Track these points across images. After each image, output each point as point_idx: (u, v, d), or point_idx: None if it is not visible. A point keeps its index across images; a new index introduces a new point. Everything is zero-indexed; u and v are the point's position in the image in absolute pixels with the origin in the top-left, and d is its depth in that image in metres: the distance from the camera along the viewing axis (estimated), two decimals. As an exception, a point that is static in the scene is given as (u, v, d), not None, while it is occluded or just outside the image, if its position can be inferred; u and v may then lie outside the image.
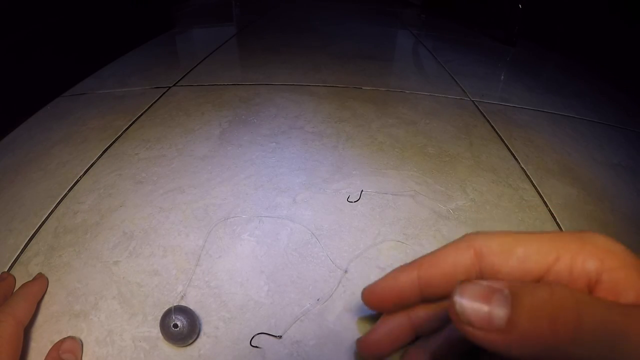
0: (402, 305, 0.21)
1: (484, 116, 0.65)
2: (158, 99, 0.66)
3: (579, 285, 0.15)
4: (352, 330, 0.30)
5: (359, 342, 0.24)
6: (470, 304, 0.14)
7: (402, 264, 0.35)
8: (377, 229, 0.39)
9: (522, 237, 0.17)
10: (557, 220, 0.42)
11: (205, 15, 1.38)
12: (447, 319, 0.19)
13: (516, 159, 0.53)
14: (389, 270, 0.35)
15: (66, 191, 0.44)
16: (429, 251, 0.37)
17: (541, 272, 0.16)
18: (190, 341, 0.28)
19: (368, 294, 0.22)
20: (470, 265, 0.18)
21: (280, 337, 0.29)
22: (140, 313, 0.31)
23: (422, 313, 0.21)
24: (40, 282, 0.32)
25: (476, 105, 0.68)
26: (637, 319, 0.13)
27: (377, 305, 0.23)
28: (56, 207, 0.41)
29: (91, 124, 0.58)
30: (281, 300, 0.32)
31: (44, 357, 0.27)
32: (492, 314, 0.14)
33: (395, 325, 0.22)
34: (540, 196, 0.46)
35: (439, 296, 0.20)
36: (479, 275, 0.18)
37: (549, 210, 0.44)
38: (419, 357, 0.21)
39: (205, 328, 0.30)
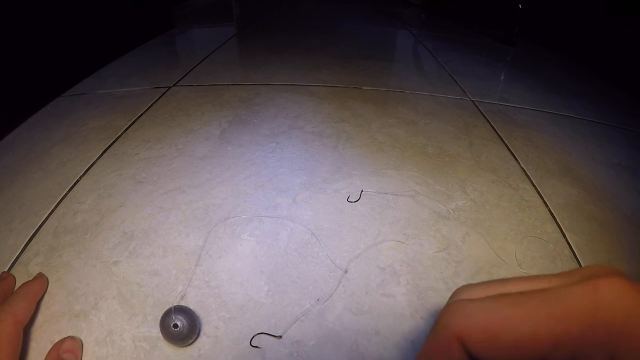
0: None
1: (484, 116, 0.65)
2: (158, 99, 0.66)
3: None
4: (352, 330, 0.30)
5: None
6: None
7: (402, 264, 0.36)
8: (377, 229, 0.39)
9: (508, 305, 0.14)
10: (557, 220, 0.42)
11: (205, 15, 1.38)
12: None
13: (516, 159, 0.53)
14: (389, 270, 0.35)
15: (66, 191, 0.44)
16: (428, 251, 0.37)
17: (540, 356, 0.13)
18: (190, 341, 0.28)
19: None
20: (460, 357, 0.14)
21: (280, 337, 0.29)
22: (140, 313, 0.31)
23: None
24: (40, 281, 0.32)
25: (476, 105, 0.68)
26: None
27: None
28: (56, 207, 0.41)
29: (91, 124, 0.58)
30: (281, 300, 0.32)
31: (44, 357, 0.27)
32: None
33: None
34: (540, 196, 0.46)
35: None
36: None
37: (549, 210, 0.44)
38: None
39: (205, 328, 0.30)
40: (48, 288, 0.32)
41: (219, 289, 0.33)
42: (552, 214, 0.43)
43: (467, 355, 0.14)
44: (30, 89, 0.63)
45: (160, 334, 0.28)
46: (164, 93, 0.68)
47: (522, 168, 0.51)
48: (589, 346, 0.12)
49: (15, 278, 0.33)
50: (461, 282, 0.34)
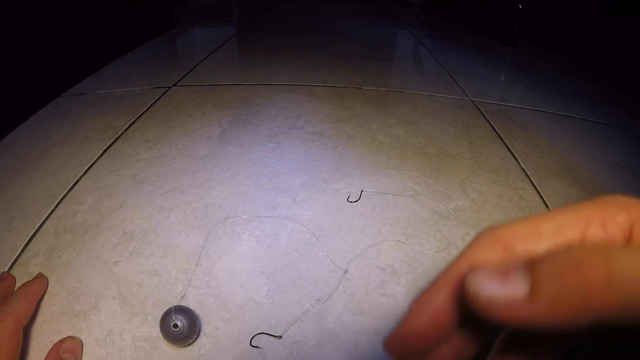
0: (446, 337, 0.16)
1: (484, 116, 0.65)
2: (158, 99, 0.66)
3: (617, 242, 0.14)
4: (352, 330, 0.30)
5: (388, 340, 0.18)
6: (486, 284, 0.13)
7: (402, 264, 0.36)
8: (377, 229, 0.39)
9: (545, 216, 0.15)
10: (557, 220, 0.42)
11: (205, 15, 1.38)
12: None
13: (516, 159, 0.53)
14: (389, 270, 0.35)
15: (66, 191, 0.44)
16: (429, 251, 0.37)
17: (577, 241, 0.14)
18: (190, 341, 0.28)
19: (398, 339, 0.16)
20: (501, 260, 0.15)
21: (280, 337, 0.29)
22: (140, 313, 0.31)
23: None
24: (40, 282, 0.32)
25: (476, 105, 0.68)
26: None
27: (411, 347, 0.16)
28: (56, 207, 0.41)
29: (91, 124, 0.58)
30: (281, 300, 0.32)
31: (44, 357, 0.27)
32: (512, 286, 0.13)
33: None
34: (540, 196, 0.46)
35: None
36: None
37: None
38: None
39: (205, 328, 0.30)
40: (48, 288, 0.32)
41: (219, 289, 0.33)
42: (552, 214, 0.43)
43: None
44: (30, 89, 0.63)
45: (160, 334, 0.28)
46: (164, 93, 0.68)
47: (522, 168, 0.51)
48: (612, 213, 0.13)
49: (15, 278, 0.33)
50: (461, 282, 0.34)
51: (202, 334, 0.29)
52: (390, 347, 0.17)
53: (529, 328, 0.13)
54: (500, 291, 0.13)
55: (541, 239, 0.14)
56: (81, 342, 0.28)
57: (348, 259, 0.36)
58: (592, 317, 0.12)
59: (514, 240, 0.15)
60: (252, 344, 0.29)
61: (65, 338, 0.28)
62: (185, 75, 0.77)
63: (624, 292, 0.12)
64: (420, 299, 0.16)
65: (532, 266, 0.13)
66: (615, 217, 0.14)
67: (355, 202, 0.43)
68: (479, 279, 0.13)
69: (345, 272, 0.34)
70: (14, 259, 0.35)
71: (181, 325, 0.27)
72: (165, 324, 0.27)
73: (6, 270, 0.34)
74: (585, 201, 0.15)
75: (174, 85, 0.72)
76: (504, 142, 0.57)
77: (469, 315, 0.15)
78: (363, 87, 0.73)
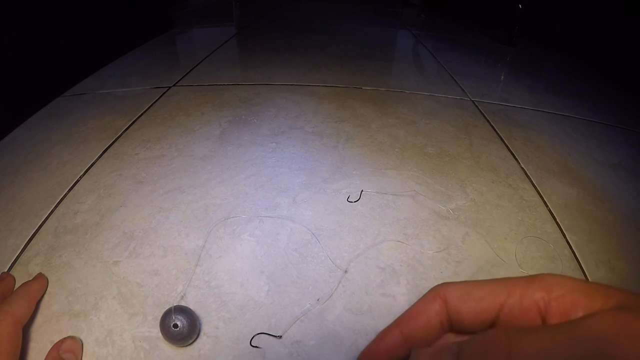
0: None
1: (484, 116, 0.65)
2: (158, 99, 0.66)
3: (531, 316, 0.17)
4: (352, 330, 0.30)
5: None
6: None
7: (402, 264, 0.36)
8: (377, 229, 0.39)
9: (478, 283, 0.19)
10: (557, 220, 0.42)
11: (205, 15, 1.38)
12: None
13: (516, 159, 0.53)
14: (389, 270, 0.35)
15: (66, 191, 0.44)
16: (428, 251, 0.37)
17: (495, 309, 0.18)
18: (190, 341, 0.28)
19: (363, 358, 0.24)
20: (439, 311, 0.20)
21: (280, 337, 0.29)
22: (140, 313, 0.31)
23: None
24: (40, 281, 0.32)
25: (476, 105, 0.68)
26: (574, 331, 0.14)
27: None
28: (56, 207, 0.41)
29: (91, 124, 0.58)
30: (281, 300, 0.32)
31: (44, 357, 0.27)
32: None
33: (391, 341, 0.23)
34: (540, 196, 0.46)
35: (424, 344, 0.22)
36: (447, 318, 0.20)
37: (549, 210, 0.44)
38: None
39: (205, 328, 0.30)
40: (48, 288, 0.32)
41: (219, 289, 0.33)
42: (552, 214, 0.43)
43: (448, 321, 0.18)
44: (30, 89, 0.63)
45: (160, 334, 0.28)
46: (164, 93, 0.68)
47: (522, 168, 0.51)
48: (532, 290, 0.17)
49: (15, 278, 0.33)
50: (461, 282, 0.34)
51: (202, 334, 0.29)
52: None
53: None
54: None
55: (468, 302, 0.19)
56: (81, 342, 0.28)
57: (348, 259, 0.36)
58: None
59: (449, 298, 0.19)
60: (252, 344, 0.29)
61: (65, 338, 0.28)
62: (185, 75, 0.77)
63: None
64: (382, 332, 0.23)
65: (458, 350, 0.16)
66: (533, 294, 0.17)
67: (355, 202, 0.43)
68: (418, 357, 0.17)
69: (345, 272, 0.34)
70: (14, 259, 0.35)
71: (181, 325, 0.27)
72: (165, 324, 0.27)
73: (6, 270, 0.34)
74: (520, 277, 0.18)
75: (174, 85, 0.72)
76: (504, 142, 0.57)
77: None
78: (363, 87, 0.73)
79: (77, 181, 0.45)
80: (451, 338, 0.23)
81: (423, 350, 0.18)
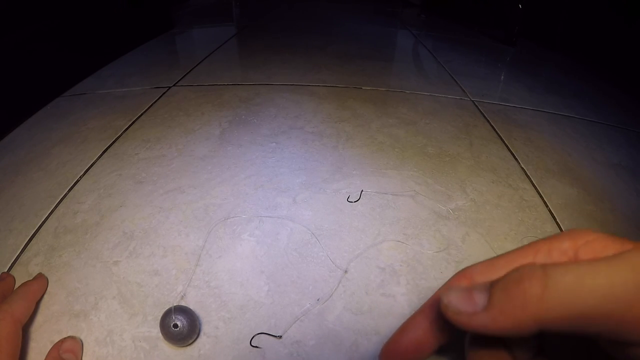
0: (425, 355, 0.22)
1: (484, 116, 0.65)
2: (158, 99, 0.66)
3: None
4: (352, 330, 0.30)
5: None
6: (455, 297, 0.16)
7: (402, 264, 0.36)
8: (377, 229, 0.39)
9: (502, 255, 0.19)
10: (557, 220, 0.42)
11: (205, 15, 1.38)
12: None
13: (516, 159, 0.53)
14: (388, 270, 0.35)
15: (66, 191, 0.44)
16: (428, 251, 0.37)
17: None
18: (190, 341, 0.28)
19: (386, 354, 0.23)
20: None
21: (280, 337, 0.29)
22: (140, 313, 0.31)
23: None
24: (40, 281, 0.32)
25: (476, 105, 0.68)
26: (616, 264, 0.13)
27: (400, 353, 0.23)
28: (56, 207, 0.41)
29: (91, 124, 0.58)
30: (281, 300, 0.32)
31: (44, 357, 0.27)
32: (474, 299, 0.16)
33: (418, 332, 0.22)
34: (540, 196, 0.46)
35: (451, 337, 0.21)
36: None
37: (549, 210, 0.44)
38: None
39: (205, 328, 0.30)
40: (48, 288, 0.32)
41: (219, 289, 0.33)
42: (552, 214, 0.43)
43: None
44: (30, 89, 0.63)
45: (160, 334, 0.28)
46: (164, 93, 0.68)
47: (522, 168, 0.51)
48: (558, 242, 0.17)
49: (14, 278, 0.33)
50: (461, 282, 0.34)
51: (202, 334, 0.29)
52: (384, 356, 0.22)
53: (487, 334, 0.15)
54: (464, 305, 0.16)
55: (495, 271, 0.18)
56: (81, 342, 0.28)
57: (348, 259, 0.36)
58: (533, 324, 0.14)
59: (475, 275, 0.19)
60: (252, 344, 0.29)
61: (65, 338, 0.28)
62: (185, 75, 0.77)
63: (557, 302, 0.14)
64: (407, 322, 0.22)
65: (490, 285, 0.16)
66: (560, 246, 0.17)
67: (355, 202, 0.43)
68: (450, 295, 0.16)
69: (345, 272, 0.34)
70: (14, 259, 0.35)
71: (181, 325, 0.27)
72: (165, 324, 0.27)
73: (6, 270, 0.34)
74: (542, 238, 0.18)
75: (174, 85, 0.72)
76: (504, 142, 0.57)
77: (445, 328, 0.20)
78: (363, 87, 0.73)
79: (77, 181, 0.45)
80: None
81: (453, 287, 0.17)
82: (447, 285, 0.20)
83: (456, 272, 0.20)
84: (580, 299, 0.13)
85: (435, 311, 0.21)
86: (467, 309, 0.16)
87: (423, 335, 0.22)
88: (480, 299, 0.16)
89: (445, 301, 0.16)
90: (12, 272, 0.34)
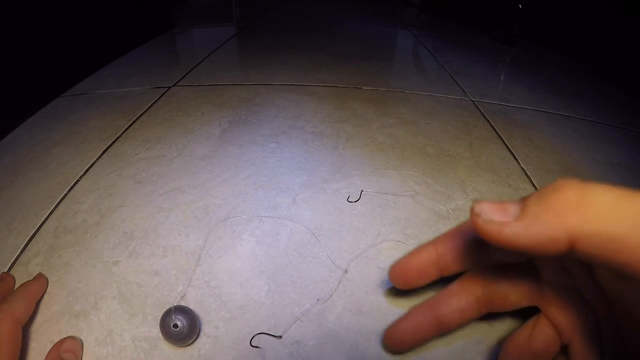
0: (425, 280, 0.23)
1: (484, 116, 0.65)
2: (158, 99, 0.66)
3: None
4: (352, 330, 0.30)
5: (386, 333, 0.25)
6: (488, 206, 0.15)
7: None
8: (377, 229, 0.39)
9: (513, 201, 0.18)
10: (557, 220, 0.42)
11: (205, 15, 1.38)
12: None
13: (516, 159, 0.53)
14: (388, 270, 0.35)
15: (66, 191, 0.44)
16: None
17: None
18: (190, 341, 0.28)
19: (394, 271, 0.25)
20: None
21: (280, 337, 0.29)
22: (140, 313, 0.31)
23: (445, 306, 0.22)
24: (40, 281, 0.32)
25: (476, 105, 0.68)
26: None
27: (403, 282, 0.24)
28: (56, 207, 0.41)
29: (91, 124, 0.58)
30: (281, 300, 0.32)
31: (44, 357, 0.27)
32: (507, 208, 0.15)
33: (420, 318, 0.23)
34: (540, 196, 0.46)
35: (453, 271, 0.22)
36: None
37: (549, 210, 0.44)
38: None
39: (205, 328, 0.30)
40: (48, 288, 0.32)
41: (219, 289, 0.33)
42: (552, 214, 0.43)
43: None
44: (30, 89, 0.63)
45: (160, 334, 0.28)
46: (164, 93, 0.68)
47: (522, 168, 0.51)
48: None
49: (14, 278, 0.33)
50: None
51: (202, 334, 0.29)
52: (392, 274, 0.25)
53: (517, 249, 0.14)
54: (496, 214, 0.15)
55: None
56: (81, 342, 0.28)
57: (348, 259, 0.36)
58: (566, 239, 0.13)
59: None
60: (252, 344, 0.29)
61: (65, 338, 0.28)
62: (185, 75, 0.77)
63: (594, 215, 0.13)
64: (418, 248, 0.23)
65: (524, 198, 0.15)
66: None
67: (355, 202, 0.43)
68: (482, 205, 0.16)
69: (345, 272, 0.34)
70: (14, 259, 0.35)
71: (181, 325, 0.27)
72: (165, 324, 0.27)
73: (6, 270, 0.34)
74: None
75: (174, 85, 0.72)
76: (504, 142, 0.57)
77: (445, 272, 0.22)
78: (363, 87, 0.73)
79: (77, 181, 0.45)
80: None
81: (485, 201, 0.16)
82: (463, 226, 0.20)
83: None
84: (617, 219, 0.12)
85: (443, 243, 0.21)
86: (499, 216, 0.15)
87: (429, 262, 0.22)
88: (513, 210, 0.15)
89: (477, 209, 0.15)
90: (12, 272, 0.34)
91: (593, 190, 0.13)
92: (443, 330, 0.22)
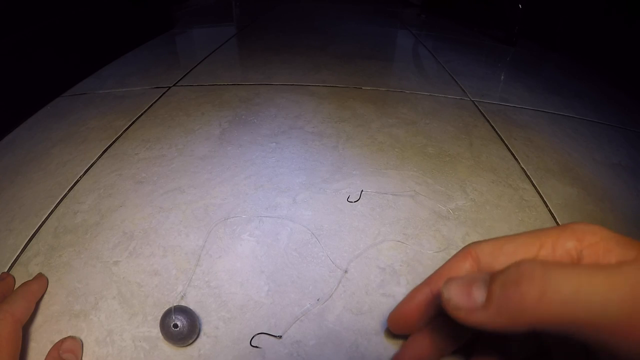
0: (424, 321, 0.23)
1: (484, 116, 0.65)
2: (158, 99, 0.66)
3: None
4: (352, 330, 0.30)
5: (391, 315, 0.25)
6: (455, 292, 0.17)
7: (402, 264, 0.36)
8: (377, 229, 0.39)
9: (510, 237, 0.19)
10: (557, 220, 0.42)
11: (205, 15, 1.38)
12: None
13: (516, 159, 0.53)
14: (388, 270, 0.35)
15: (66, 191, 0.44)
16: (428, 251, 0.37)
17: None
18: (190, 341, 0.28)
19: (392, 319, 0.25)
20: (470, 269, 0.20)
21: (280, 337, 0.29)
22: (140, 313, 0.31)
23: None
24: (40, 281, 0.32)
25: (476, 105, 0.68)
26: (618, 274, 0.13)
27: (402, 326, 0.25)
28: (56, 207, 0.41)
29: (91, 124, 0.58)
30: (281, 300, 0.32)
31: (44, 357, 0.27)
32: (473, 295, 0.16)
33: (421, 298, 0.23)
34: (540, 196, 0.46)
35: None
36: None
37: (549, 210, 0.44)
38: None
39: (205, 328, 0.30)
40: (48, 288, 0.32)
41: (219, 289, 0.33)
42: (552, 214, 0.43)
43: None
44: (30, 89, 0.63)
45: (160, 334, 0.28)
46: (164, 93, 0.68)
47: (522, 168, 0.51)
48: (563, 240, 0.17)
49: (14, 278, 0.33)
50: (461, 282, 0.34)
51: (202, 334, 0.29)
52: (391, 322, 0.25)
53: (485, 330, 0.16)
54: (463, 301, 0.16)
55: (500, 257, 0.18)
56: (81, 342, 0.28)
57: (348, 259, 0.36)
58: (528, 326, 0.14)
59: (480, 256, 0.19)
60: (252, 344, 0.29)
61: (65, 338, 0.28)
62: (185, 75, 0.77)
63: (552, 308, 0.14)
64: (413, 291, 0.23)
65: (490, 280, 0.16)
66: (565, 244, 0.17)
67: (355, 202, 0.43)
68: (451, 290, 0.17)
69: (345, 272, 0.34)
70: (14, 259, 0.35)
71: (181, 325, 0.27)
72: (165, 324, 0.27)
73: (6, 270, 0.34)
74: (550, 227, 0.18)
75: (174, 85, 0.72)
76: (504, 142, 0.57)
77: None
78: (363, 87, 0.73)
79: (77, 181, 0.45)
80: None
81: (454, 280, 0.17)
82: (454, 262, 0.21)
83: (463, 247, 0.20)
84: (575, 308, 0.13)
85: (435, 282, 0.22)
86: (466, 304, 0.16)
87: (426, 306, 0.22)
88: (479, 295, 0.16)
89: (446, 295, 0.17)
90: (12, 272, 0.34)
91: (553, 281, 0.14)
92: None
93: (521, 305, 0.14)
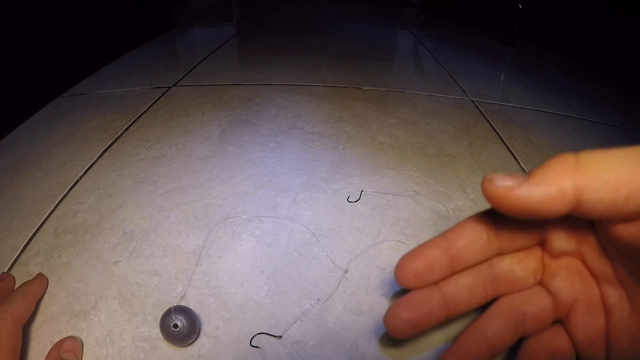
0: (435, 274, 0.22)
1: (484, 116, 0.65)
2: (158, 99, 0.66)
3: None
4: (352, 330, 0.30)
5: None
6: (498, 175, 0.17)
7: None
8: (377, 229, 0.39)
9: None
10: (557, 220, 0.42)
11: (205, 15, 1.38)
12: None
13: (516, 159, 0.53)
14: (389, 270, 0.35)
15: (66, 191, 0.44)
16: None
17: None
18: (190, 341, 0.28)
19: (401, 267, 0.23)
20: (489, 228, 0.20)
21: (280, 337, 0.29)
22: (140, 313, 0.31)
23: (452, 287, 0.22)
24: (40, 281, 0.32)
25: (476, 105, 0.68)
26: None
27: (411, 276, 0.23)
28: (56, 207, 0.41)
29: (91, 124, 0.58)
30: (281, 300, 0.32)
31: (44, 357, 0.27)
32: (517, 176, 0.17)
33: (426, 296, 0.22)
34: (540, 196, 0.46)
35: (465, 266, 0.22)
36: (494, 230, 0.21)
37: (549, 210, 0.44)
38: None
39: (205, 328, 0.30)
40: (48, 288, 0.32)
41: (219, 289, 0.33)
42: (552, 214, 0.43)
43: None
44: (30, 89, 0.63)
45: (160, 334, 0.28)
46: (164, 93, 0.68)
47: (522, 168, 0.51)
48: None
49: (14, 278, 0.33)
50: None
51: (202, 334, 0.29)
52: (398, 273, 0.23)
53: (526, 211, 0.16)
54: (507, 180, 0.17)
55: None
56: (81, 342, 0.28)
57: (348, 259, 0.36)
58: (572, 193, 0.15)
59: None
60: (252, 344, 0.29)
61: (65, 338, 0.28)
62: (185, 75, 0.77)
63: (593, 168, 0.15)
64: (422, 245, 0.22)
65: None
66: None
67: (355, 202, 0.43)
68: (493, 174, 0.17)
69: (345, 272, 0.34)
70: (14, 259, 0.35)
71: (181, 325, 0.27)
72: (165, 324, 0.27)
73: (6, 270, 0.34)
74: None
75: (174, 85, 0.72)
76: (504, 142, 0.57)
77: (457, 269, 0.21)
78: (363, 87, 0.73)
79: (77, 181, 0.45)
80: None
81: (494, 173, 0.18)
82: (472, 222, 0.21)
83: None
84: (617, 169, 0.15)
85: (452, 233, 0.21)
86: (510, 182, 0.16)
87: (439, 253, 0.21)
88: (521, 176, 0.17)
89: (489, 177, 0.17)
90: (12, 272, 0.34)
91: (588, 153, 0.16)
92: (456, 268, 0.21)
93: (563, 167, 0.15)
